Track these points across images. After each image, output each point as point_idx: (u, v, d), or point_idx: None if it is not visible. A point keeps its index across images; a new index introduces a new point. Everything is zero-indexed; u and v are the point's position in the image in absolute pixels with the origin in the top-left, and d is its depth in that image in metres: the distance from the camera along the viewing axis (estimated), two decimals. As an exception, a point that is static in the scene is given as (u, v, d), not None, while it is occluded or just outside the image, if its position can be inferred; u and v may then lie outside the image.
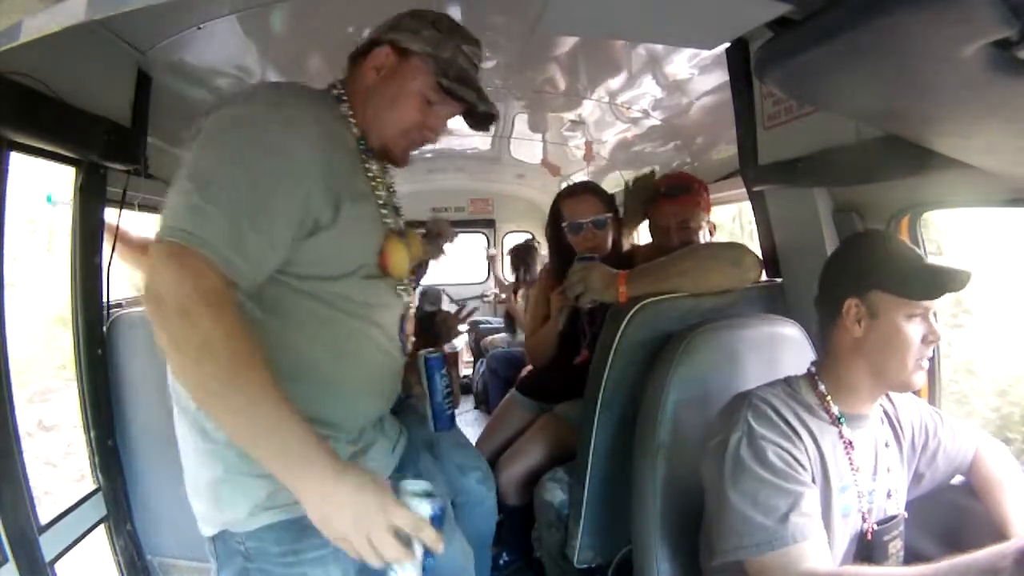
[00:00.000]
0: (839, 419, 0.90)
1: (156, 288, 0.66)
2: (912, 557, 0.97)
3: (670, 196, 1.60)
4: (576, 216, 1.62)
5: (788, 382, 0.95)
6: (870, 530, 0.90)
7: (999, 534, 0.91)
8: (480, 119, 0.95)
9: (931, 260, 0.88)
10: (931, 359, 1.23)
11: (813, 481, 0.85)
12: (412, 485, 0.74)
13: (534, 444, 1.65)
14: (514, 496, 1.62)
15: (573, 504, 1.30)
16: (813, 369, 0.95)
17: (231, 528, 0.80)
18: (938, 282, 0.85)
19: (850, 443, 0.90)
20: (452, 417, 1.13)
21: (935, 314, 0.89)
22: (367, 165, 0.88)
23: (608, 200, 1.67)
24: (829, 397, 0.91)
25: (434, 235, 1.86)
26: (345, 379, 0.85)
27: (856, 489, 0.89)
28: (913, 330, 0.86)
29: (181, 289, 0.65)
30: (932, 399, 1.24)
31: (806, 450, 0.86)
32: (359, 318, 0.85)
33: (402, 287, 0.92)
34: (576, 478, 1.29)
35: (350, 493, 0.66)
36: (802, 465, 0.84)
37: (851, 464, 0.89)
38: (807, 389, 0.93)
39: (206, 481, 0.80)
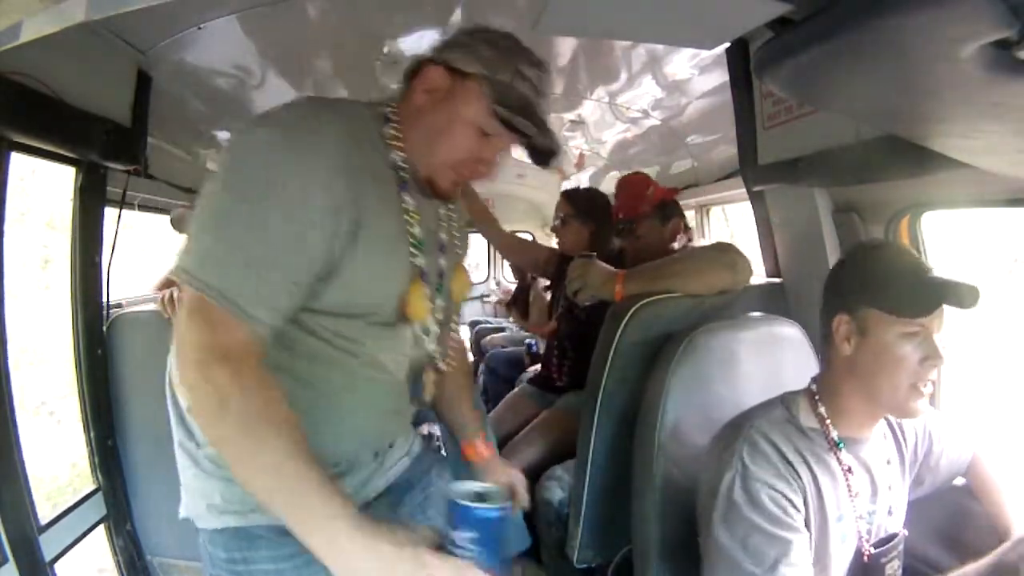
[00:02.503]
0: (837, 444, 0.87)
1: (178, 337, 0.64)
2: (913, 559, 0.96)
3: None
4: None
5: (786, 404, 0.91)
6: (867, 553, 0.88)
7: (999, 535, 0.91)
8: (541, 155, 0.85)
9: (938, 272, 0.81)
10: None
11: (807, 525, 0.83)
12: (458, 488, 0.67)
13: (536, 439, 1.68)
14: None
15: (573, 503, 1.29)
16: (814, 387, 0.91)
17: (196, 523, 0.81)
18: (932, 298, 0.79)
19: (849, 469, 0.87)
20: None
21: (942, 334, 0.82)
22: (404, 197, 0.79)
23: (576, 205, 1.94)
24: (829, 420, 0.88)
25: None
26: (324, 419, 0.78)
27: (855, 514, 0.87)
28: (908, 350, 0.81)
29: (200, 342, 0.63)
30: (931, 401, 1.24)
31: (803, 490, 0.83)
32: (357, 358, 0.78)
33: (426, 335, 0.85)
34: (576, 477, 1.29)
35: (378, 559, 0.58)
36: (796, 508, 0.82)
37: (849, 491, 0.87)
38: (806, 411, 0.89)
39: (183, 474, 0.82)
